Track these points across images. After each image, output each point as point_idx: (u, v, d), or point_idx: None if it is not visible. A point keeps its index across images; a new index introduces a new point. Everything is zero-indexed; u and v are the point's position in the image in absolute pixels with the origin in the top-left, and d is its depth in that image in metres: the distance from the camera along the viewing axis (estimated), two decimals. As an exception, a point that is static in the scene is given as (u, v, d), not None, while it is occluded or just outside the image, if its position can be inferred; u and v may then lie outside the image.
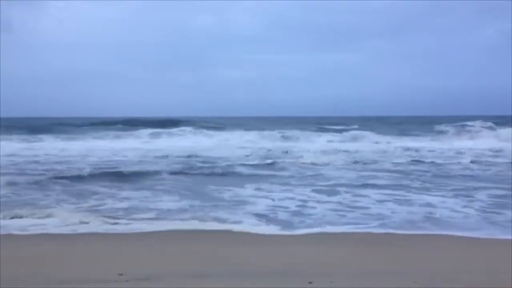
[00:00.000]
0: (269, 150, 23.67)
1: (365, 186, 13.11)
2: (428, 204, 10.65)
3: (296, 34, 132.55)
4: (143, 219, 9.21)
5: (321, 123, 44.08)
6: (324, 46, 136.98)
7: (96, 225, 8.66)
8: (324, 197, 11.39)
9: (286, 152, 22.50)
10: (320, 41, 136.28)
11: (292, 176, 15.04)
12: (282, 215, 9.65)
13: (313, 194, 11.73)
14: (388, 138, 31.23)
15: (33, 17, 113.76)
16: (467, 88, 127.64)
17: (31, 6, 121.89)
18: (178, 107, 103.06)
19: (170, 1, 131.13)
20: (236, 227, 8.61)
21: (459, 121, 39.46)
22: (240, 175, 15.41)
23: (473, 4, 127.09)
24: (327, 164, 18.11)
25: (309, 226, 8.84)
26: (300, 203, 10.76)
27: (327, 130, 37.36)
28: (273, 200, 11.09)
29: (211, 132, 34.14)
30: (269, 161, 18.88)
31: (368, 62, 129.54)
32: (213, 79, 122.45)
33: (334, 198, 11.29)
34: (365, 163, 18.69)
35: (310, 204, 10.69)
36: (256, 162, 18.69)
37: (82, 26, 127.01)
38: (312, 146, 26.12)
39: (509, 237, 7.92)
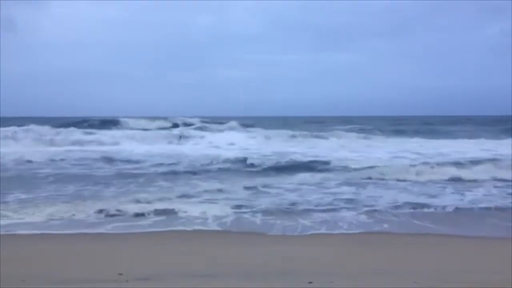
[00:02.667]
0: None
1: None
2: None
3: (296, 34, 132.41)
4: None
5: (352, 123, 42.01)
6: (324, 46, 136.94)
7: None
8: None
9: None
10: (320, 41, 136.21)
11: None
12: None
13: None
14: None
15: (34, 16, 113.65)
16: (467, 88, 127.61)
17: (33, 5, 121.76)
18: (178, 107, 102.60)
19: (170, 1, 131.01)
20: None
21: (460, 121, 39.14)
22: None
23: (473, 4, 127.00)
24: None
25: (309, 226, 8.86)
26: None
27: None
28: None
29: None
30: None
31: (368, 62, 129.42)
32: (213, 79, 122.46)
33: None
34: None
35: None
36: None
37: (82, 26, 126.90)
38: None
39: (509, 236, 7.93)
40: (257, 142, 26.08)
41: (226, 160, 17.57)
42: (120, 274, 5.31)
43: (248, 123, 35.14)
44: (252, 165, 16.89)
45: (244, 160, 17.59)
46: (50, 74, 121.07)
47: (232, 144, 24.50)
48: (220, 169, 16.06)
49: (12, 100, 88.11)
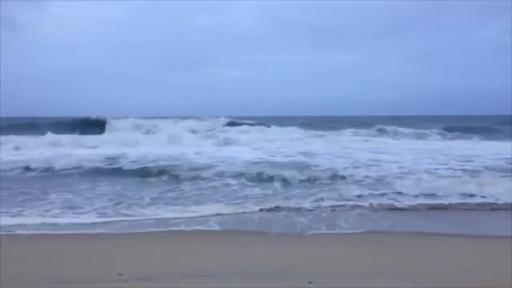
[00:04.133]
0: None
1: None
2: None
3: (296, 34, 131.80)
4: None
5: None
6: (324, 46, 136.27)
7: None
8: None
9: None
10: (320, 41, 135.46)
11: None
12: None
13: None
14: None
15: (34, 16, 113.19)
16: (467, 88, 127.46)
17: (33, 5, 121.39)
18: (178, 106, 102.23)
19: (170, 1, 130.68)
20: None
21: (460, 121, 38.76)
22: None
23: (473, 4, 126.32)
24: None
25: (309, 226, 8.87)
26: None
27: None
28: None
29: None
30: None
31: (368, 62, 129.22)
32: (213, 79, 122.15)
33: None
34: None
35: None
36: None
37: (83, 26, 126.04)
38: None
39: (509, 236, 7.93)
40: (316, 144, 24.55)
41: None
42: (120, 274, 5.31)
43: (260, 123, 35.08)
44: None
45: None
46: (50, 74, 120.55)
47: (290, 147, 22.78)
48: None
49: (12, 100, 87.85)
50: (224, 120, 34.97)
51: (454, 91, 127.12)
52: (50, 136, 24.81)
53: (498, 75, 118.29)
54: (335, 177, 13.70)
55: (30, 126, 31.59)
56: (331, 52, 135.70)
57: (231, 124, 34.02)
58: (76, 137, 25.09)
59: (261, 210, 10.15)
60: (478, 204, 10.74)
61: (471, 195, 11.39)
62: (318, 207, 10.40)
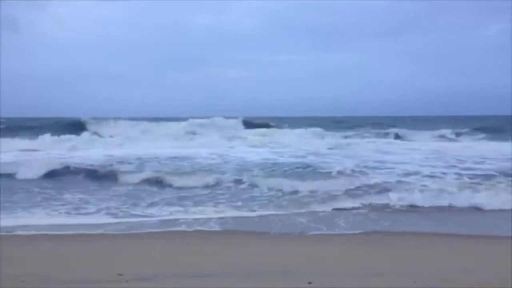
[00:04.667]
0: None
1: None
2: None
3: (296, 34, 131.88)
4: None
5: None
6: (324, 46, 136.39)
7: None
8: None
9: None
10: (320, 41, 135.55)
11: None
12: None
13: None
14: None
15: (35, 16, 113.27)
16: (467, 88, 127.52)
17: (34, 5, 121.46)
18: (178, 106, 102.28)
19: (170, 1, 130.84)
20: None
21: (464, 121, 38.58)
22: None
23: (473, 4, 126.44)
24: None
25: (309, 226, 8.87)
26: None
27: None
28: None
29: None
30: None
31: (368, 62, 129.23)
32: (213, 79, 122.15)
33: None
34: None
35: None
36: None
37: (83, 26, 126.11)
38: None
39: (509, 236, 7.93)
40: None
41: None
42: (120, 274, 5.31)
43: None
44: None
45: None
46: (50, 74, 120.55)
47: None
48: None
49: (12, 100, 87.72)
50: (234, 120, 35.04)
51: (454, 91, 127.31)
52: (50, 137, 24.83)
53: (498, 75, 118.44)
54: (340, 177, 13.70)
55: (30, 126, 31.60)
56: (331, 52, 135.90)
57: (242, 124, 34.19)
58: (76, 138, 25.10)
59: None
60: (478, 205, 10.71)
61: (473, 196, 11.36)
62: (319, 207, 10.41)
